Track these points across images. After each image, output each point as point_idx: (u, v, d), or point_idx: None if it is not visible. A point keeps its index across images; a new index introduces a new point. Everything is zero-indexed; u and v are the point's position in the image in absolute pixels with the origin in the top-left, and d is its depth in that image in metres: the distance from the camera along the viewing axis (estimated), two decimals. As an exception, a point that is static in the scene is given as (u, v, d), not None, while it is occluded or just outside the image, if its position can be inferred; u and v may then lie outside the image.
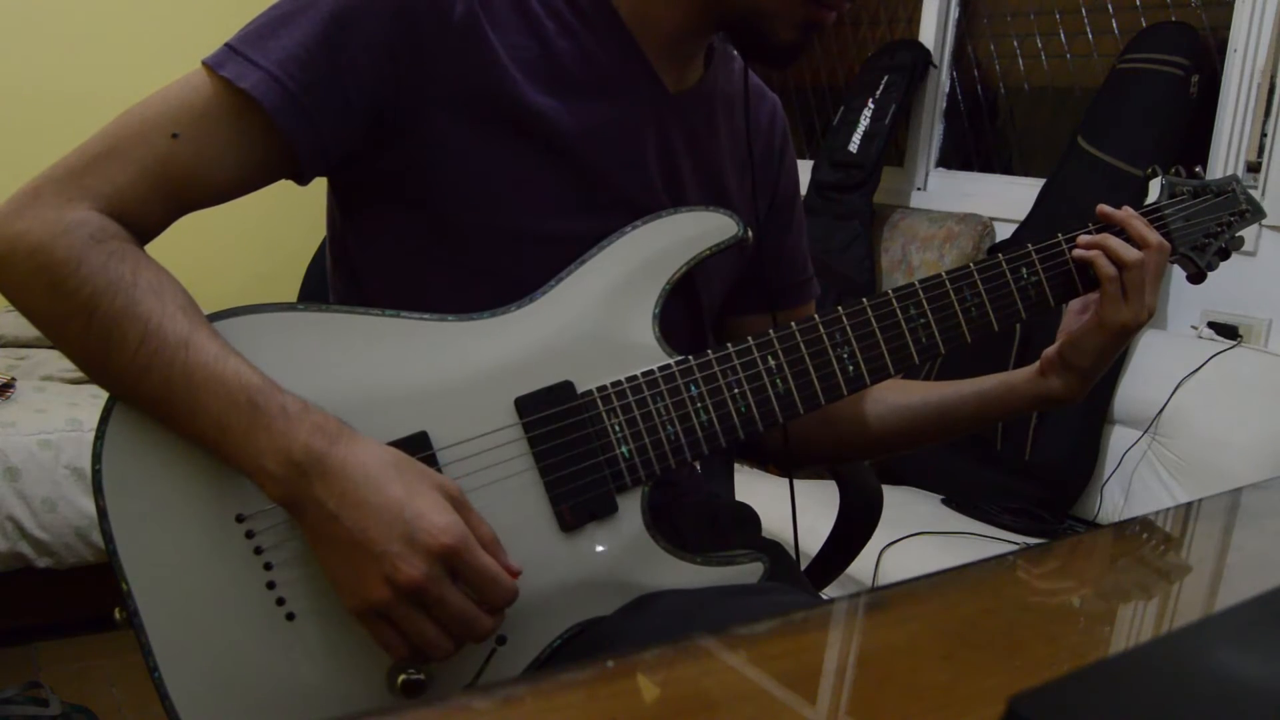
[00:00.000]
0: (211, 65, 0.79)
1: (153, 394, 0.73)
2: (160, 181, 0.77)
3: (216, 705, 0.75)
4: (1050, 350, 1.00)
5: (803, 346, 0.86)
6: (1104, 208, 0.96)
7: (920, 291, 0.89)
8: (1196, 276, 1.02)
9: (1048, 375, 1.00)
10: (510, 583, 0.73)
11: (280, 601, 0.75)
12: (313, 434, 0.71)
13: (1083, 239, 0.94)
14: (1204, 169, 1.04)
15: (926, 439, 1.11)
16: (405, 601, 0.70)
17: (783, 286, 1.08)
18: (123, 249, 0.75)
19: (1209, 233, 1.00)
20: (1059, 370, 0.99)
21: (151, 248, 0.81)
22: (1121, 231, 0.94)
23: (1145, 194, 1.02)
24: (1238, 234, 1.02)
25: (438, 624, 0.72)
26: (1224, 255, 1.02)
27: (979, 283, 0.92)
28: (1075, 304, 0.98)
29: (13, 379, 2.42)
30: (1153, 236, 0.93)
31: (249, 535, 0.75)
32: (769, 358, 0.85)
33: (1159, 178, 1.00)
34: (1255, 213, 1.03)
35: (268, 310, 0.78)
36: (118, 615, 0.75)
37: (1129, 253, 0.92)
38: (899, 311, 0.89)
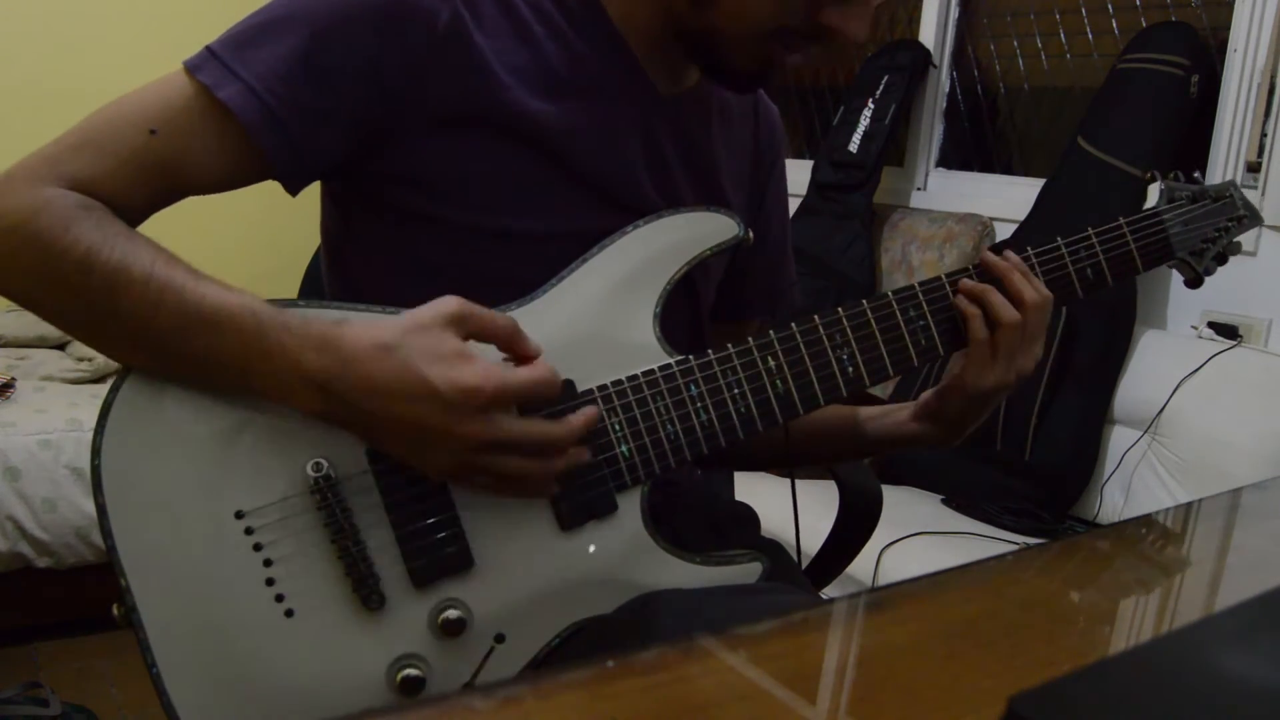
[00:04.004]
0: (190, 68, 0.78)
1: (168, 328, 0.72)
2: (138, 172, 0.78)
3: (215, 701, 0.74)
4: (928, 394, 0.96)
5: (803, 347, 0.86)
6: (987, 256, 0.89)
7: (920, 293, 0.89)
8: (1194, 281, 1.02)
9: (920, 420, 0.97)
10: (554, 380, 0.75)
11: (279, 598, 0.75)
12: (320, 351, 0.72)
13: (965, 285, 0.89)
14: (1204, 171, 1.04)
15: (816, 458, 1.10)
16: (484, 453, 0.72)
17: (749, 296, 1.07)
18: (109, 216, 0.76)
19: (1207, 238, 1.00)
20: (931, 417, 0.96)
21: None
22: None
23: (1145, 194, 1.02)
24: (1235, 239, 1.02)
25: (522, 454, 0.74)
26: (1221, 260, 1.02)
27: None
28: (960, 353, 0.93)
29: (13, 379, 2.42)
30: (1031, 294, 0.87)
31: (248, 532, 0.75)
32: (769, 358, 0.85)
33: (1158, 182, 1.00)
34: (1252, 218, 1.03)
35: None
36: (116, 611, 0.74)
37: (1007, 313, 0.87)
38: (898, 313, 0.88)
